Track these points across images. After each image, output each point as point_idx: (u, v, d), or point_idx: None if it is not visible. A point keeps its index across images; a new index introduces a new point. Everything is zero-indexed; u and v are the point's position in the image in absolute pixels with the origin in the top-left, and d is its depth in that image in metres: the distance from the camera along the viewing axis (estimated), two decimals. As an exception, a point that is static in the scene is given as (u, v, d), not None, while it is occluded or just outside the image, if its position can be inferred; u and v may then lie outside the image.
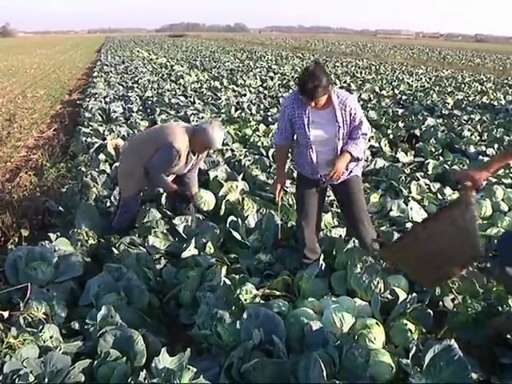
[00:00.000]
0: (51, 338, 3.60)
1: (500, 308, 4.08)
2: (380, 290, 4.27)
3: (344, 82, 20.75)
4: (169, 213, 5.89)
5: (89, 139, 9.23)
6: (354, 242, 4.89)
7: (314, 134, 4.40)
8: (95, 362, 3.36)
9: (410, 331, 3.81)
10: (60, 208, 6.18)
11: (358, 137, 4.47)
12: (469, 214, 3.54)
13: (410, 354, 3.59)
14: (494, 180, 7.40)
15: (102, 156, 8.10)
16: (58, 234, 5.29)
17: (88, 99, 14.48)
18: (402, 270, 4.36)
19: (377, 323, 3.80)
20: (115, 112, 12.16)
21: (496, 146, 9.74)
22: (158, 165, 5.35)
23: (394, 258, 4.02)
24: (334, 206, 6.15)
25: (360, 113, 4.45)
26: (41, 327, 3.65)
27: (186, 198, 5.95)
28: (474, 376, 3.51)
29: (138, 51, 40.72)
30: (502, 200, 6.58)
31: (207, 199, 6.21)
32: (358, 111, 4.42)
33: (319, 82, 4.10)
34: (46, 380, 3.15)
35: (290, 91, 4.50)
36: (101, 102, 13.90)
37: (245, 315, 3.62)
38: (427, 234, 3.58)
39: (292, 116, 4.42)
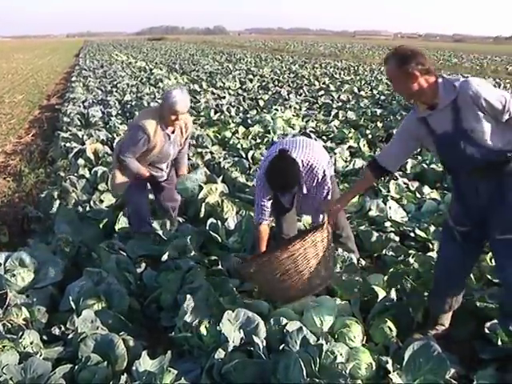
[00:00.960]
0: (31, 343, 3.58)
1: (478, 304, 4.13)
2: (359, 288, 4.30)
3: (323, 84, 20.83)
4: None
5: (68, 144, 9.19)
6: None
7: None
8: (76, 366, 3.35)
9: (390, 329, 3.85)
10: (39, 214, 6.16)
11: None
12: (327, 240, 3.89)
13: (390, 352, 3.64)
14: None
15: (81, 161, 8.07)
16: (38, 239, 5.28)
17: (66, 104, 14.41)
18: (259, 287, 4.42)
19: (356, 322, 3.84)
20: (94, 116, 12.11)
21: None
22: (124, 147, 5.12)
23: (251, 275, 4.11)
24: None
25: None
26: (21, 333, 3.62)
27: (160, 187, 5.70)
28: (454, 371, 3.56)
29: (116, 55, 40.57)
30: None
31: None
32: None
33: (287, 182, 4.11)
34: (27, 386, 3.14)
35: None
36: (79, 106, 13.85)
37: (225, 317, 3.63)
38: (289, 254, 3.75)
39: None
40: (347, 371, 3.24)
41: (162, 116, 5.01)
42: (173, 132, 5.22)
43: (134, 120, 5.32)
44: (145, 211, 5.55)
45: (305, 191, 4.41)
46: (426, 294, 4.26)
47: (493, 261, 4.75)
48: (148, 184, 5.63)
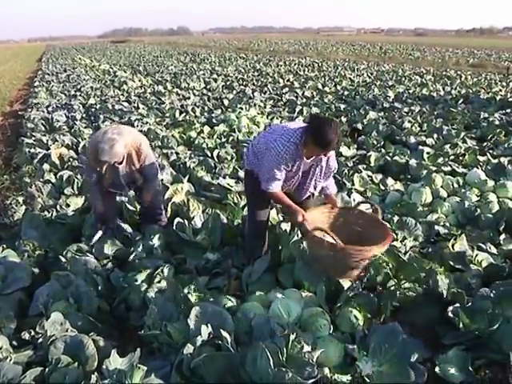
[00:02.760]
0: (1, 349, 3.58)
1: (440, 290, 4.25)
2: (325, 280, 4.38)
3: (287, 81, 20.96)
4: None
5: (32, 150, 9.11)
6: (297, 235, 5.01)
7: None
8: (47, 369, 3.37)
9: (356, 318, 3.96)
10: (5, 220, 6.12)
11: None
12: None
13: (357, 340, 3.74)
14: (434, 168, 7.64)
15: (46, 166, 8.02)
16: (4, 246, 5.25)
17: (30, 109, 14.24)
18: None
19: (323, 312, 3.93)
20: (58, 121, 12.00)
21: (435, 135, 10.04)
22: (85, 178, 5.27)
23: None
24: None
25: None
26: (-11, 340, 3.63)
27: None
28: (418, 355, 3.67)
29: (79, 58, 40.16)
30: (442, 187, 6.81)
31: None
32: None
33: (340, 137, 4.19)
34: (-3, 390, 3.15)
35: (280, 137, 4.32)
36: (43, 111, 13.70)
37: (193, 312, 3.69)
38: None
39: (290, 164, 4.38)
40: (314, 360, 3.32)
41: None
42: (120, 163, 5.10)
43: (87, 152, 5.31)
44: (105, 216, 5.52)
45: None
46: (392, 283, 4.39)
47: (455, 247, 4.93)
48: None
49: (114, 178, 5.20)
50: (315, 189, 4.75)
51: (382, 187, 7.17)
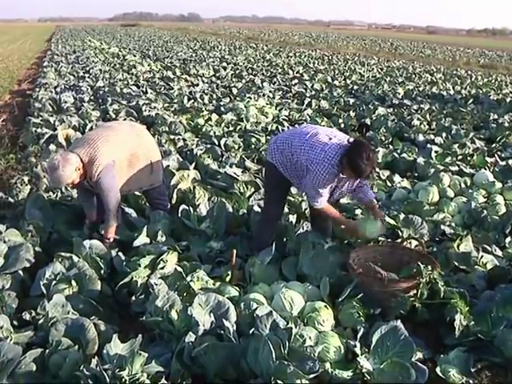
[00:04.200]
0: (1, 328, 3.56)
1: (443, 289, 4.21)
2: (329, 274, 4.36)
3: (297, 72, 20.89)
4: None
5: (39, 130, 9.09)
6: (303, 227, 4.99)
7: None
8: (47, 351, 3.37)
9: (358, 313, 3.94)
10: (10, 199, 6.10)
11: None
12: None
13: (358, 336, 3.71)
14: (442, 168, 7.60)
15: (52, 146, 7.99)
16: (8, 225, 5.23)
17: (38, 89, 14.20)
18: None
19: (326, 306, 3.91)
20: (66, 102, 11.98)
21: (444, 134, 9.99)
22: None
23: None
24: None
25: None
26: (-10, 318, 3.62)
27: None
28: (420, 355, 3.66)
29: (89, 41, 40.06)
30: (449, 186, 6.76)
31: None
32: None
33: (374, 168, 4.27)
34: (-3, 370, 3.14)
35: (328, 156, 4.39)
36: (51, 92, 13.67)
37: (196, 301, 3.67)
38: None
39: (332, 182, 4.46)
40: (316, 354, 3.31)
41: None
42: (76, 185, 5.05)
43: None
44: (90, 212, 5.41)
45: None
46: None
47: (460, 248, 4.90)
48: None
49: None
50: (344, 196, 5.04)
51: (389, 184, 7.15)
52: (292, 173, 4.61)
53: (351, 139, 4.31)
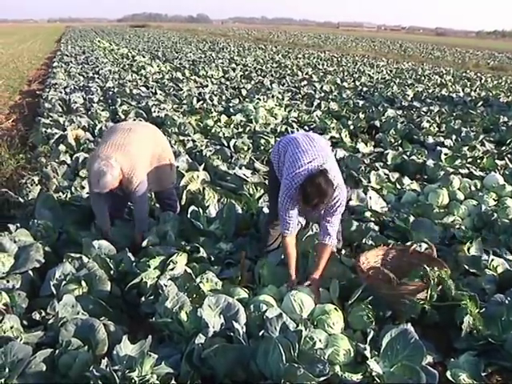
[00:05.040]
0: (12, 328, 3.59)
1: (454, 293, 4.19)
2: (339, 277, 4.35)
3: (306, 74, 20.87)
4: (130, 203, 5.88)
5: (49, 130, 9.13)
6: (311, 229, 4.98)
7: None
8: (57, 351, 3.37)
9: (368, 316, 3.92)
10: (20, 199, 6.12)
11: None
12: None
13: (368, 339, 3.70)
14: (452, 170, 7.57)
15: (62, 147, 8.02)
16: (18, 225, 5.25)
17: (48, 90, 14.27)
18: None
19: (335, 309, 3.91)
20: (75, 103, 12.04)
21: (454, 137, 9.96)
22: None
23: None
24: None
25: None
26: (1, 318, 3.63)
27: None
28: (430, 358, 3.64)
29: (99, 41, 40.14)
30: (459, 189, 6.74)
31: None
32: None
33: (324, 197, 4.00)
34: (7, 370, 3.13)
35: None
36: (61, 92, 13.74)
37: (206, 302, 3.67)
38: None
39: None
40: (326, 357, 3.30)
41: None
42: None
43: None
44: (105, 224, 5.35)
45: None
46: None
47: (470, 251, 4.88)
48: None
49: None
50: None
51: (398, 186, 7.12)
52: (280, 177, 4.53)
53: (322, 167, 4.15)
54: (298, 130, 9.90)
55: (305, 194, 4.01)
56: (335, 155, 8.32)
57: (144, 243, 4.93)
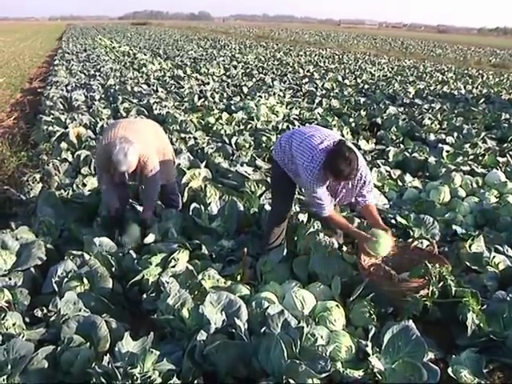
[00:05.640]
0: (14, 325, 3.60)
1: (456, 289, 4.19)
2: (341, 273, 4.35)
3: (307, 71, 20.84)
4: (131, 201, 5.89)
5: (50, 128, 9.12)
6: (313, 226, 4.98)
7: None
8: (59, 348, 3.38)
9: (370, 313, 3.93)
10: (21, 196, 6.12)
11: None
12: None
13: (370, 335, 3.71)
14: (453, 167, 7.57)
15: (63, 144, 8.02)
16: (20, 222, 5.26)
17: (49, 87, 14.27)
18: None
19: (337, 306, 3.91)
20: (77, 100, 12.02)
21: (455, 134, 9.95)
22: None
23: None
24: (296, 192, 6.22)
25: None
26: (3, 315, 3.64)
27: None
28: (431, 355, 3.64)
29: (100, 39, 40.15)
30: (460, 186, 6.74)
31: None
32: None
33: (355, 165, 4.04)
34: (9, 367, 3.14)
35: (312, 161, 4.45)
36: (62, 90, 13.71)
37: (207, 299, 3.67)
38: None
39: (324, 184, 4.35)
40: (327, 353, 3.30)
41: None
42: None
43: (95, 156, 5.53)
44: (114, 202, 5.38)
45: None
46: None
47: (472, 248, 4.87)
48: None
49: (120, 180, 5.18)
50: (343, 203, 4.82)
51: (400, 183, 7.13)
52: (292, 172, 4.59)
53: (336, 140, 4.24)
54: (298, 127, 9.89)
55: (335, 169, 4.05)
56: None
57: (146, 240, 4.93)
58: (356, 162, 4.04)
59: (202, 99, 13.16)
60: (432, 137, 9.87)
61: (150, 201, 5.39)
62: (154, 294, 4.18)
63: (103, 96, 13.32)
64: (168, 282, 4.02)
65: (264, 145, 8.82)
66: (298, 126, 10.07)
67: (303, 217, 5.39)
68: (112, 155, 4.68)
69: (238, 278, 4.51)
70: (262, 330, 3.50)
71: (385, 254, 4.43)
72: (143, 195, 5.52)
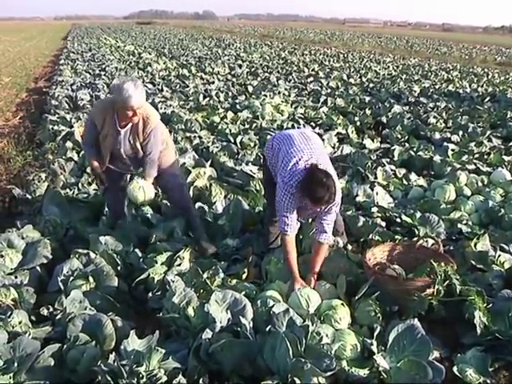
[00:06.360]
0: (20, 323, 3.62)
1: (461, 288, 4.18)
2: (346, 272, 4.35)
3: (312, 70, 20.83)
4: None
5: (55, 127, 9.16)
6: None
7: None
8: (65, 346, 3.40)
9: (375, 311, 3.92)
10: (27, 195, 6.14)
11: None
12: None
13: (375, 334, 3.70)
14: (458, 166, 7.55)
15: (69, 144, 8.05)
16: (26, 221, 5.28)
17: (54, 87, 14.30)
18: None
19: (342, 304, 3.91)
20: (82, 100, 12.05)
21: (460, 132, 9.92)
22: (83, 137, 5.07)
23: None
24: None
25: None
26: (9, 313, 3.66)
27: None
28: (437, 354, 3.64)
29: (105, 38, 40.20)
30: (465, 185, 6.72)
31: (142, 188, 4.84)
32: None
33: (332, 193, 3.92)
34: (16, 364, 3.16)
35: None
36: (67, 89, 13.76)
37: (213, 297, 3.68)
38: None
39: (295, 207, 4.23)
40: (332, 352, 3.31)
41: (116, 107, 4.65)
42: (123, 127, 4.77)
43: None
44: (117, 204, 5.36)
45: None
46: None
47: (477, 247, 4.86)
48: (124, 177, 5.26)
49: (113, 144, 4.79)
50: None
51: (405, 182, 7.11)
52: (274, 175, 4.48)
53: (321, 165, 4.06)
54: (304, 127, 9.89)
55: (313, 194, 3.91)
56: (341, 151, 8.35)
57: (152, 239, 4.94)
58: (333, 185, 3.93)
59: (207, 98, 13.16)
60: (437, 135, 9.83)
61: (151, 170, 4.91)
62: (159, 293, 4.20)
63: (108, 95, 13.33)
64: (173, 281, 4.03)
65: (269, 144, 8.81)
66: (304, 126, 10.09)
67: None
68: (122, 91, 4.42)
69: (243, 276, 4.52)
70: (268, 328, 3.50)
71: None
72: (145, 169, 4.93)
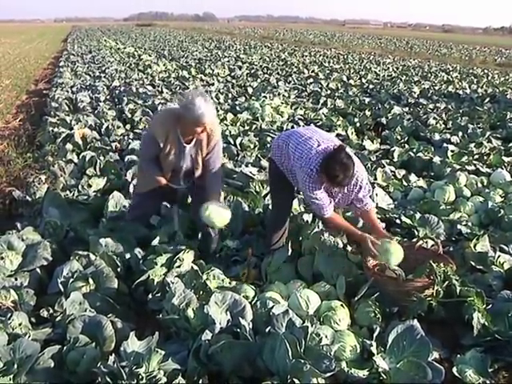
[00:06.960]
0: (20, 325, 3.61)
1: (460, 289, 4.19)
2: (346, 273, 4.36)
3: (312, 72, 20.85)
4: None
5: (56, 129, 9.16)
6: (318, 226, 4.99)
7: None
8: (64, 347, 3.39)
9: (374, 312, 3.93)
10: (27, 197, 6.15)
11: None
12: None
13: (374, 335, 3.71)
14: (458, 167, 7.56)
15: (69, 146, 8.05)
16: (26, 223, 5.28)
17: (54, 89, 14.31)
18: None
19: (342, 305, 3.92)
20: (82, 102, 12.06)
21: (460, 133, 9.93)
22: (140, 154, 4.99)
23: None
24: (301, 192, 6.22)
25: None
26: (9, 315, 3.65)
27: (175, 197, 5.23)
28: (436, 354, 3.65)
29: (105, 40, 40.23)
30: (465, 186, 6.73)
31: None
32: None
33: (348, 172, 4.01)
34: (16, 366, 3.15)
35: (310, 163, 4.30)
36: (67, 91, 13.77)
37: (212, 299, 3.68)
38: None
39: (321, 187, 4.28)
40: (332, 353, 3.30)
41: (181, 123, 4.49)
42: (188, 142, 4.67)
43: (151, 122, 4.89)
44: (145, 209, 5.29)
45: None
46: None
47: (477, 247, 4.87)
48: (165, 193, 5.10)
49: (176, 161, 4.72)
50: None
51: (405, 183, 7.13)
52: (289, 172, 4.56)
53: (337, 145, 4.20)
54: (297, 127, 9.90)
55: (329, 174, 4.02)
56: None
57: (153, 242, 4.93)
58: (352, 169, 4.01)
59: (207, 100, 13.14)
60: (437, 136, 9.85)
61: (218, 187, 4.95)
62: (159, 294, 4.19)
63: (108, 97, 13.41)
64: (173, 282, 4.03)
65: (269, 145, 8.81)
66: (303, 126, 10.09)
67: (308, 217, 5.39)
68: (194, 107, 4.24)
69: (243, 277, 4.53)
70: (267, 329, 3.50)
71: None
72: (207, 182, 4.86)
